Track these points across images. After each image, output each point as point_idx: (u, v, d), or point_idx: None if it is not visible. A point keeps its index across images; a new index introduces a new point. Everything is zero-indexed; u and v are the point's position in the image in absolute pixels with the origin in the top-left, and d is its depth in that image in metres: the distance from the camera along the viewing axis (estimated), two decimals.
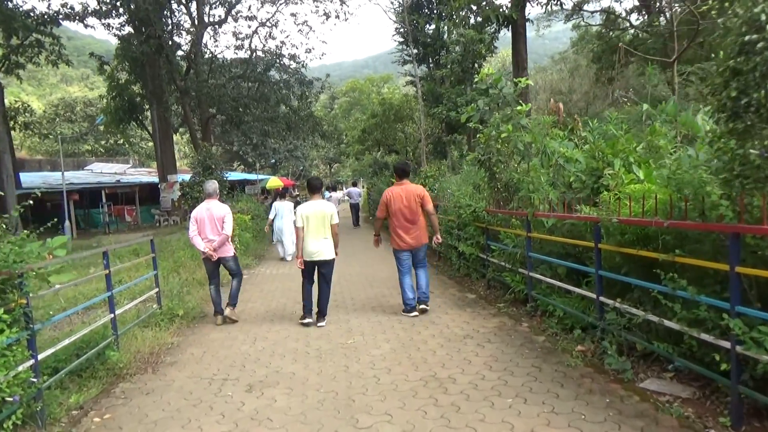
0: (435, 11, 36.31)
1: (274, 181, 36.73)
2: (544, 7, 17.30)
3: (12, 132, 41.60)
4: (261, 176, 41.71)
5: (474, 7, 17.15)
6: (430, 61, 37.79)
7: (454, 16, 35.17)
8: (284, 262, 12.62)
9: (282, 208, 13.23)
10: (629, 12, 25.50)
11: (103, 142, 53.45)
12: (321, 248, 6.54)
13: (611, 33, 26.31)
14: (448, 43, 35.13)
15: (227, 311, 6.95)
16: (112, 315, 5.40)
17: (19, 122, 23.20)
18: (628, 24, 25.87)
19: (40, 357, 4.08)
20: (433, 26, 36.50)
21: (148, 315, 6.73)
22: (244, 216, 14.89)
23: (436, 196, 11.22)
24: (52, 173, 34.42)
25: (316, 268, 6.69)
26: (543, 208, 6.03)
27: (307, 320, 6.62)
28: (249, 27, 22.96)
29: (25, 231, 4.20)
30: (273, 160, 50.85)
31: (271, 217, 13.42)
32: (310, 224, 6.50)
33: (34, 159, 42.11)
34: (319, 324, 6.58)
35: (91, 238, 20.31)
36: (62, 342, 4.66)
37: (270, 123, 22.49)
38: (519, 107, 7.30)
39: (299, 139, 30.53)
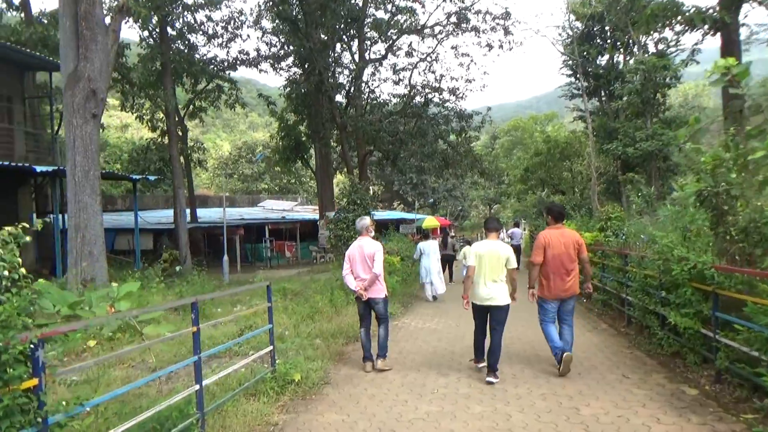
0: (608, 41, 33.31)
1: (431, 221, 35.68)
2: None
3: (193, 170, 46.40)
4: (419, 216, 41.05)
5: (665, 19, 14.28)
6: (602, 93, 34.52)
7: (632, 43, 31.88)
8: (433, 313, 10.98)
9: (427, 247, 13.16)
10: None
11: (277, 181, 57.31)
12: (494, 293, 5.99)
13: None
14: (624, 73, 31.82)
15: (378, 363, 6.52)
16: (198, 386, 4.17)
17: (194, 159, 24.88)
18: None
19: None
20: (605, 57, 33.48)
21: (256, 380, 5.49)
22: (393, 257, 13.66)
23: (624, 243, 8.86)
24: (229, 209, 37.04)
25: (489, 314, 6.10)
26: None
27: (481, 364, 6.21)
28: (409, 63, 22.09)
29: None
30: (431, 200, 50.23)
31: (415, 257, 13.44)
32: (484, 265, 6.00)
33: (217, 196, 46.10)
34: (488, 379, 5.81)
35: (249, 273, 20.63)
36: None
37: (427, 159, 21.40)
38: None
39: (457, 177, 29.10)
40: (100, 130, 25.28)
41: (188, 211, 25.77)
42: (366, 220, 6.90)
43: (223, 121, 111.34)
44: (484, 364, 6.11)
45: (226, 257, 17.61)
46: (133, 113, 23.56)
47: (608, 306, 9.43)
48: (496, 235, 6.28)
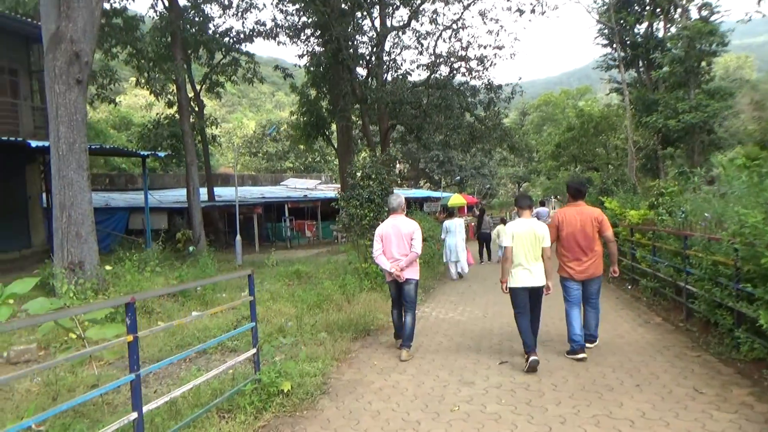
0: (647, 7, 31.09)
1: (457, 199, 34.38)
2: None
3: (215, 149, 45.60)
4: (445, 194, 39.72)
5: None
6: (640, 64, 32.38)
7: (673, 8, 29.65)
8: (457, 301, 9.83)
9: (452, 225, 12.92)
10: None
11: (302, 160, 56.46)
12: (532, 274, 5.64)
13: None
14: (665, 41, 29.68)
15: (403, 354, 6.06)
16: (136, 414, 3.13)
17: (208, 135, 23.92)
18: None
19: None
20: (644, 24, 31.30)
21: (233, 392, 4.44)
22: None
23: (682, 222, 7.53)
24: (250, 188, 36.31)
25: (528, 295, 5.71)
26: None
27: (532, 358, 5.41)
28: (434, 30, 20.61)
29: None
30: (458, 177, 48.76)
31: (442, 236, 13.13)
32: (519, 246, 5.65)
33: (239, 175, 45.36)
34: (533, 358, 5.39)
35: (267, 254, 19.74)
36: None
37: (453, 132, 19.99)
38: None
39: (486, 153, 27.62)
40: (111, 105, 24.80)
41: (205, 189, 25.05)
42: (401, 198, 6.59)
43: (250, 100, 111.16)
44: (536, 358, 5.43)
45: (238, 237, 16.72)
46: (148, 89, 22.70)
47: (660, 295, 8.14)
48: (530, 213, 5.93)
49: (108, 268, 9.71)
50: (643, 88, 30.64)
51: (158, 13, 20.56)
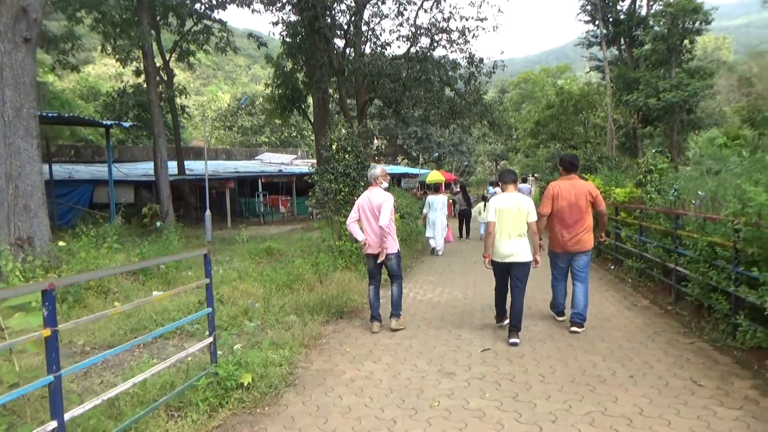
0: None
1: (435, 175, 33.92)
2: None
3: (188, 121, 44.12)
4: (423, 171, 39.23)
5: None
6: (622, 42, 32.11)
7: None
8: (436, 281, 9.41)
9: (435, 201, 12.95)
10: None
11: (278, 134, 55.31)
12: (516, 249, 5.58)
13: None
14: (647, 19, 29.36)
15: (392, 323, 6.12)
16: (56, 424, 2.59)
17: (177, 105, 22.85)
18: None
19: None
20: (627, 1, 30.92)
21: (185, 387, 3.93)
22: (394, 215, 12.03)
23: (674, 201, 7.17)
24: (223, 162, 35.31)
25: (510, 271, 5.68)
26: None
27: (505, 321, 5.87)
28: (414, 0, 19.85)
29: None
30: (437, 154, 48.32)
31: (425, 211, 13.12)
32: (504, 220, 5.59)
33: (213, 149, 44.12)
34: (511, 340, 5.46)
35: (237, 230, 19.07)
36: None
37: (432, 107, 19.37)
38: None
39: (465, 129, 27.14)
40: (78, 75, 23.40)
41: (176, 163, 24.13)
42: (377, 169, 6.38)
43: (225, 73, 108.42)
44: (507, 321, 5.70)
45: (208, 212, 16.00)
46: (114, 57, 21.54)
47: (647, 276, 7.81)
48: (514, 187, 5.82)
49: (62, 244, 9.03)
50: (624, 66, 30.41)
51: None
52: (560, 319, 6.25)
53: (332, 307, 6.80)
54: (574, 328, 5.81)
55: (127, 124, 17.50)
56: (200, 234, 16.46)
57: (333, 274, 8.28)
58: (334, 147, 9.35)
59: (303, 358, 5.15)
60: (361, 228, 6.23)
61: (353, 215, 6.29)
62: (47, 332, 2.57)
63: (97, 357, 3.19)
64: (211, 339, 4.16)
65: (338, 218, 9.48)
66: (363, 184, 9.55)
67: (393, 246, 6.17)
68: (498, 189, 18.78)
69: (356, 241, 6.20)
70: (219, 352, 4.35)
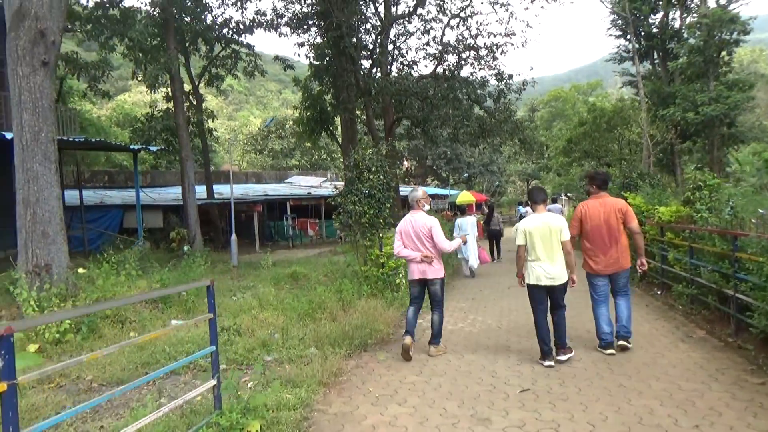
0: None
1: (465, 196, 33.38)
2: None
3: (220, 146, 44.65)
4: (453, 191, 38.66)
5: None
6: (655, 56, 31.21)
7: None
8: (468, 307, 8.85)
9: (465, 223, 12.81)
10: None
11: (307, 157, 55.68)
12: (552, 271, 5.35)
13: None
14: (681, 31, 28.53)
15: (431, 350, 5.94)
16: None
17: (206, 128, 22.96)
18: None
19: None
20: (659, 14, 30.11)
21: None
22: None
23: (730, 220, 6.51)
24: (253, 186, 35.45)
25: (549, 294, 5.47)
26: None
27: (548, 362, 5.35)
28: (440, 18, 19.59)
29: None
30: (467, 174, 47.71)
31: (455, 234, 12.53)
32: (535, 242, 5.40)
33: (243, 172, 44.47)
34: (559, 357, 5.40)
35: (265, 253, 18.81)
36: None
37: (461, 125, 18.93)
38: None
39: (494, 147, 26.59)
40: (114, 102, 23.75)
41: (205, 187, 24.19)
42: (418, 192, 6.23)
43: (257, 98, 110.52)
44: (551, 363, 5.31)
45: (234, 236, 15.77)
46: (144, 82, 21.82)
47: (701, 303, 7.11)
48: (544, 207, 5.58)
49: (81, 271, 8.81)
50: (659, 81, 29.54)
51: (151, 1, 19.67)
52: (608, 352, 5.65)
53: (355, 338, 6.32)
54: (621, 342, 5.68)
55: (154, 148, 17.55)
56: (227, 258, 16.24)
57: (357, 302, 7.82)
58: (358, 167, 8.95)
59: (321, 398, 4.66)
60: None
61: (397, 243, 6.15)
62: (2, 387, 2.16)
63: (85, 405, 2.77)
64: (214, 382, 3.72)
65: (363, 242, 9.04)
66: (389, 206, 9.15)
67: (440, 271, 5.99)
68: (528, 208, 18.59)
69: (414, 260, 5.95)
70: (225, 395, 3.91)
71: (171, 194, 25.42)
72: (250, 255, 19.57)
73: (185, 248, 15.93)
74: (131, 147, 15.90)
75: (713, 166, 24.28)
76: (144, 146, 16.80)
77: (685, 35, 27.40)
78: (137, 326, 7.67)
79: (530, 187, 5.24)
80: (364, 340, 6.41)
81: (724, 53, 26.00)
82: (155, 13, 18.47)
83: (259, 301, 8.48)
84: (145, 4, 19.24)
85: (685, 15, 29.34)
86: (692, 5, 28.50)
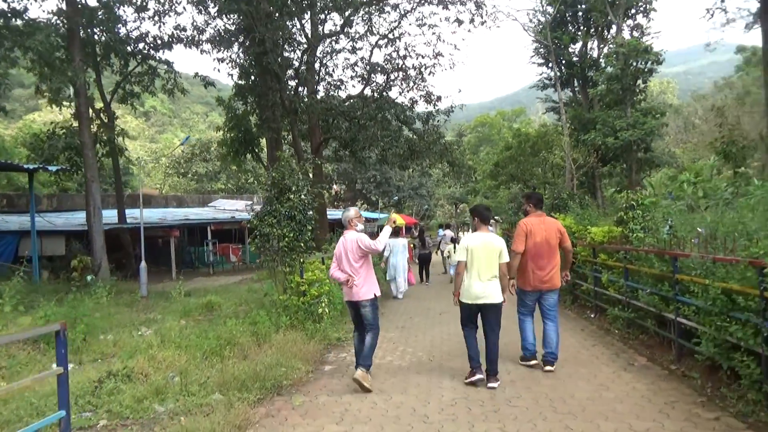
0: (581, 27, 31.31)
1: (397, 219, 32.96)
2: None
3: (139, 170, 42.38)
4: (382, 215, 38.29)
5: None
6: (575, 83, 32.54)
7: (608, 28, 29.95)
8: (397, 338, 8.15)
9: (396, 244, 12.58)
10: None
11: (234, 181, 53.99)
12: (487, 290, 5.32)
13: None
14: (599, 61, 29.92)
15: (358, 374, 5.40)
16: None
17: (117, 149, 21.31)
18: None
19: None
20: (579, 44, 31.46)
21: None
22: None
23: (668, 240, 6.23)
24: (173, 210, 33.53)
25: (480, 313, 5.42)
26: None
27: (477, 377, 5.31)
28: (367, 37, 19.26)
29: None
30: (396, 198, 47.65)
31: (386, 255, 12.58)
32: (475, 260, 5.33)
33: (162, 196, 42.14)
34: (490, 385, 5.20)
35: (185, 281, 17.37)
36: None
37: (389, 146, 18.49)
38: None
39: (423, 170, 26.44)
40: (22, 122, 21.64)
41: (116, 211, 22.42)
42: (350, 211, 6.09)
43: (182, 120, 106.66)
44: (481, 376, 5.32)
45: (143, 264, 14.39)
46: (46, 97, 19.98)
47: (639, 328, 6.78)
48: (486, 227, 5.61)
49: None
50: (579, 107, 30.71)
51: (56, 9, 18.12)
52: (530, 363, 5.89)
53: (268, 379, 5.48)
54: (547, 368, 5.70)
55: (53, 168, 15.88)
56: (135, 288, 14.78)
57: (274, 336, 6.97)
58: (277, 186, 8.14)
59: None
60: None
61: (333, 266, 5.93)
62: None
63: None
64: None
65: (282, 268, 8.19)
66: (311, 228, 8.38)
67: (369, 292, 5.68)
68: (448, 231, 18.69)
69: (343, 283, 5.70)
70: None
71: (78, 219, 23.33)
72: (164, 283, 18.08)
73: (88, 278, 14.40)
74: (25, 167, 14.25)
75: (632, 189, 25.21)
76: (41, 165, 15.14)
77: (603, 64, 28.68)
78: (9, 372, 6.46)
79: (475, 205, 5.02)
80: (279, 381, 5.57)
81: (639, 81, 27.30)
82: (59, 21, 16.96)
83: (161, 337, 7.43)
84: (49, 13, 17.69)
85: (602, 45, 30.81)
86: (608, 36, 29.96)
